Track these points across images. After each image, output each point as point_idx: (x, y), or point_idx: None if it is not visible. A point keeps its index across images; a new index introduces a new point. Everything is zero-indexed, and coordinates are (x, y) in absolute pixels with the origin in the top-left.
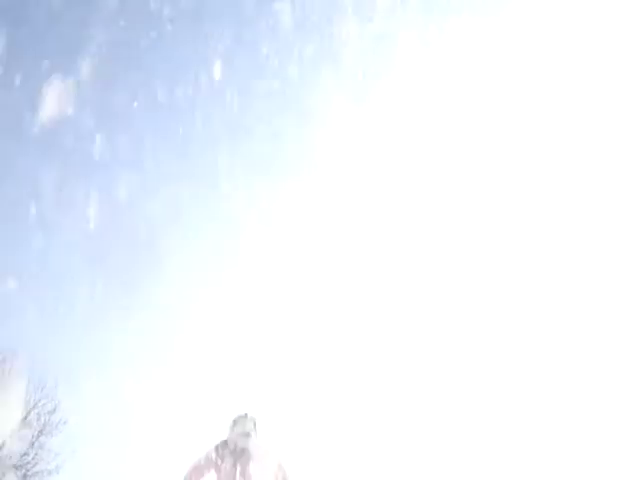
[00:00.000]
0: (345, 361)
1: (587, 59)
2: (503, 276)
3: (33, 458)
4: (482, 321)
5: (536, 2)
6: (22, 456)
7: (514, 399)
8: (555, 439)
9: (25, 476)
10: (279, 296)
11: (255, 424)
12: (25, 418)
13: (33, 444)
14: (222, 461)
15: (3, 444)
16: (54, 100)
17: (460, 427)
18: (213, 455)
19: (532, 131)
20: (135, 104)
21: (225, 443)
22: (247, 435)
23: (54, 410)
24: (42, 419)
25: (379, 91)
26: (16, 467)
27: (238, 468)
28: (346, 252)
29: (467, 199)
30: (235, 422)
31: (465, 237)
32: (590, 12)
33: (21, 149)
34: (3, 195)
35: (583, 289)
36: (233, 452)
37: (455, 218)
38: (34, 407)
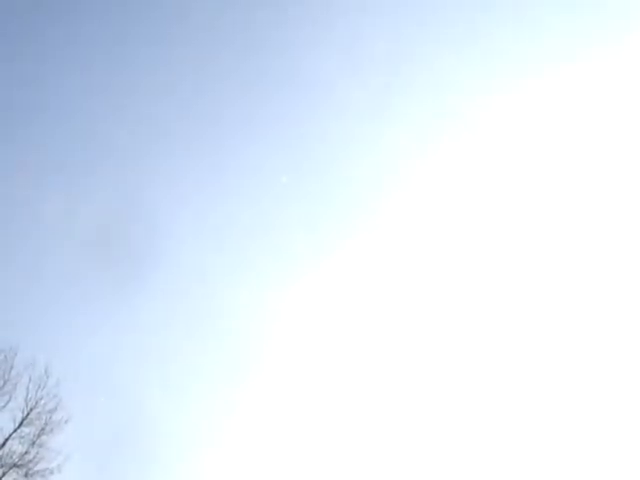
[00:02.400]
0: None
1: None
2: None
3: (34, 457)
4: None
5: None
6: (23, 455)
7: (515, 400)
8: (555, 438)
9: (26, 475)
10: None
11: None
12: (26, 417)
13: (34, 443)
14: None
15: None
16: None
17: (460, 428)
18: None
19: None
20: None
21: None
22: None
23: (55, 409)
24: (43, 418)
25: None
26: (17, 466)
27: None
28: None
29: None
30: None
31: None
32: None
33: None
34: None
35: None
36: None
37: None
38: (35, 406)
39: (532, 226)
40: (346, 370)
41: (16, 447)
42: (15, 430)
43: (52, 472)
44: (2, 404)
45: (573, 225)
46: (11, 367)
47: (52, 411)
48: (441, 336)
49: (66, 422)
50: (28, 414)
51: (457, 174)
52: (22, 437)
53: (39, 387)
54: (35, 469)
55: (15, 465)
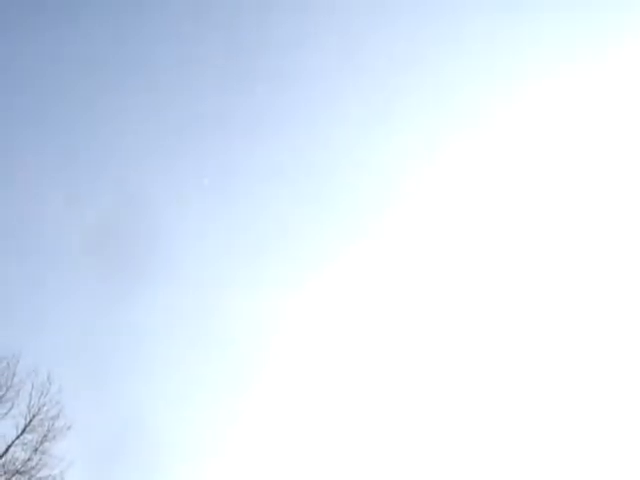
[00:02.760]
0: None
1: None
2: None
3: (37, 464)
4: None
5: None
6: (26, 462)
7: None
8: (554, 438)
9: None
10: None
11: None
12: (29, 423)
13: (37, 450)
14: None
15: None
16: None
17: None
18: None
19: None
20: None
21: None
22: None
23: (58, 415)
24: (46, 425)
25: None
26: (20, 473)
27: None
28: None
29: None
30: None
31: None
32: None
33: None
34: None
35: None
36: None
37: None
38: (38, 412)
39: (542, 234)
40: (351, 378)
41: (19, 454)
42: (18, 437)
43: (55, 479)
44: (5, 411)
45: (582, 229)
46: (13, 374)
47: (54, 418)
48: (446, 344)
49: (68, 429)
50: (31, 421)
51: (462, 178)
52: (25, 444)
53: (41, 394)
54: (38, 476)
55: (18, 472)
